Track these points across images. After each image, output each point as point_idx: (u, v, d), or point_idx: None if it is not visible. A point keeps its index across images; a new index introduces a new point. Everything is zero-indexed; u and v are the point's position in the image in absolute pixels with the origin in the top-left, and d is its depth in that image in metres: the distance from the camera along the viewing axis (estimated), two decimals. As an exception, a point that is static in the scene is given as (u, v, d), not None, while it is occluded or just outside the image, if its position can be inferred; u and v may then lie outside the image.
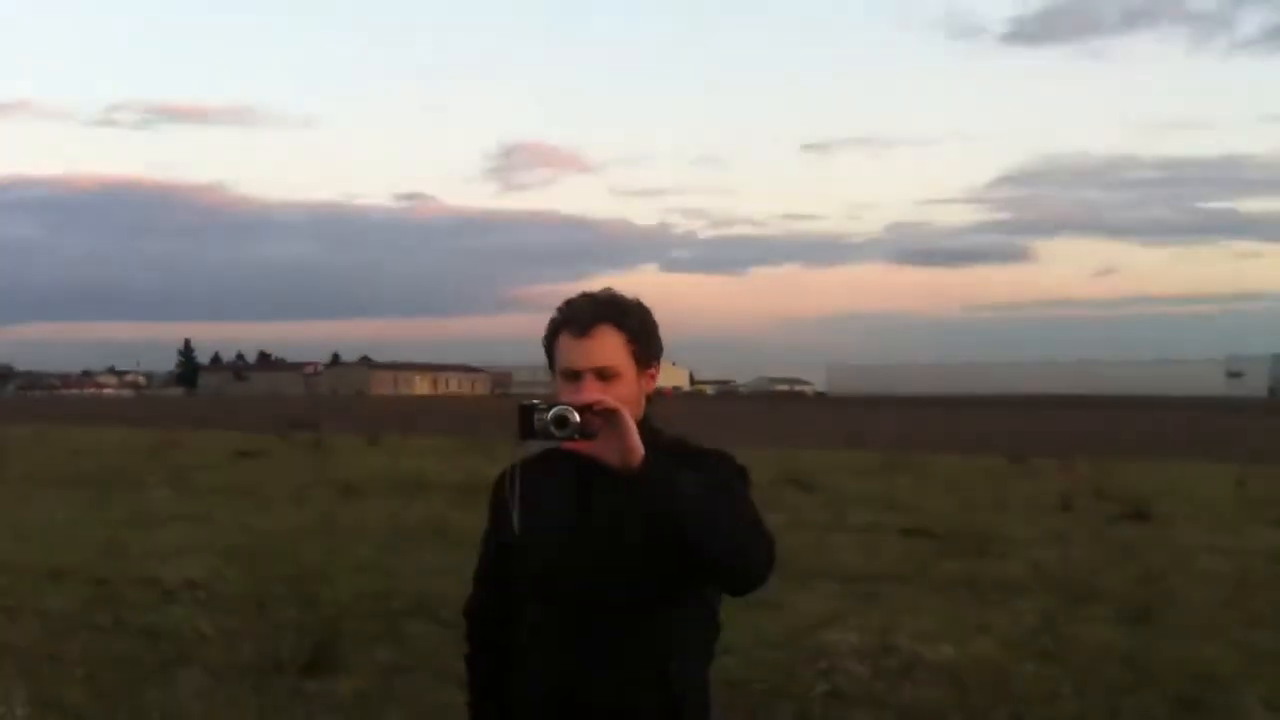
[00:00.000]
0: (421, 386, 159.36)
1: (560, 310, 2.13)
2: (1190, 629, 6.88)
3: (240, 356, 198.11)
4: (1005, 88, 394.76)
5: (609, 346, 2.07)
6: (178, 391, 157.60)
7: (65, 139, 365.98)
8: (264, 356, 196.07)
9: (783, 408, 75.48)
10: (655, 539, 1.92)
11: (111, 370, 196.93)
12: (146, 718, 5.21)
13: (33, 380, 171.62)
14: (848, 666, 5.91)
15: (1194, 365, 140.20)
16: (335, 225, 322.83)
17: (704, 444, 2.18)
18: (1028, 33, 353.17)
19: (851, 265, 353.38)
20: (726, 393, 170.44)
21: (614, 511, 2.03)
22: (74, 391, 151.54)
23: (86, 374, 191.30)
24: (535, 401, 1.93)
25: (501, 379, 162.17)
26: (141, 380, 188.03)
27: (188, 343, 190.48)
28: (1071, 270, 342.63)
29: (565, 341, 2.09)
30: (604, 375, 2.06)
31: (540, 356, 2.19)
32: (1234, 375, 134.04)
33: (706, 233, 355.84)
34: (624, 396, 2.01)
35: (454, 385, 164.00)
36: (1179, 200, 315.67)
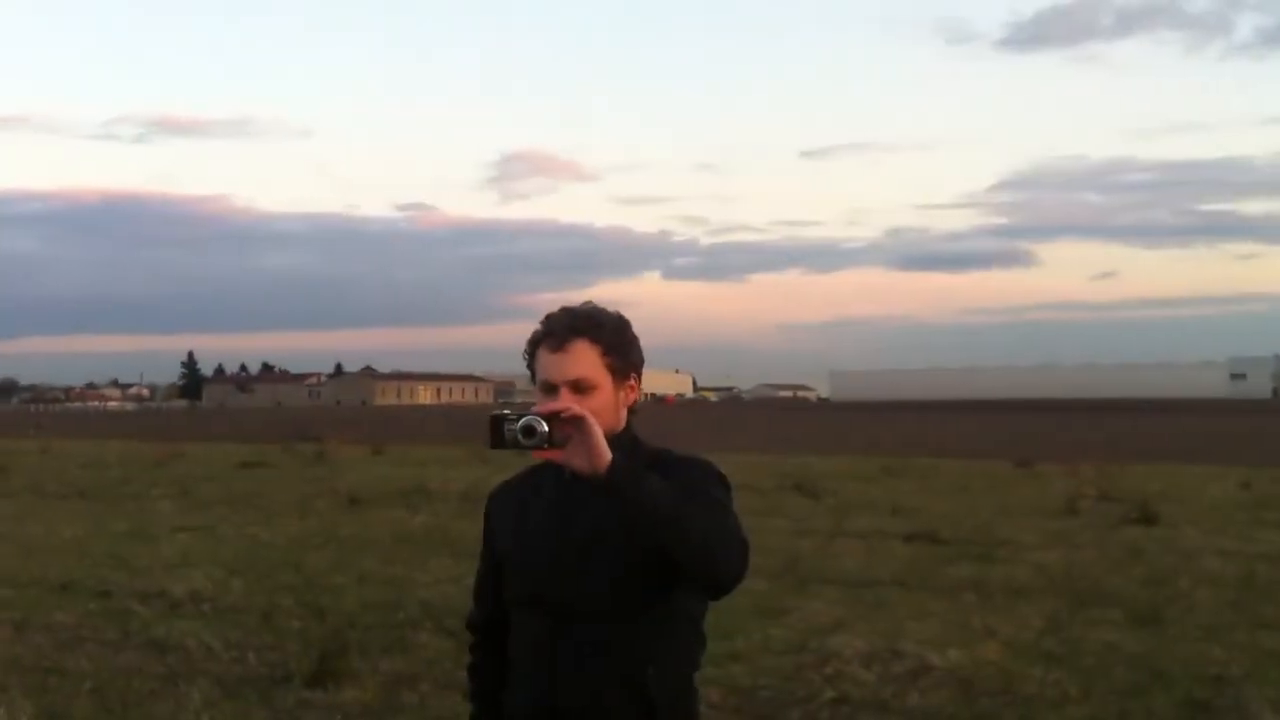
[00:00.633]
0: (424, 396, 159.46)
1: (540, 324, 2.19)
2: (1198, 631, 6.87)
3: (243, 368, 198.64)
4: (1003, 92, 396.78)
5: (584, 360, 2.12)
6: (182, 403, 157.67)
7: (66, 152, 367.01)
8: (267, 368, 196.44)
9: (786, 414, 75.41)
10: (632, 545, 1.99)
11: (115, 383, 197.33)
12: (153, 730, 5.21)
13: (37, 394, 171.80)
14: (854, 672, 5.90)
15: (1196, 368, 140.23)
16: (337, 236, 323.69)
17: (687, 454, 2.22)
18: (1024, 37, 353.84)
19: (852, 271, 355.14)
20: (730, 399, 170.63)
21: (594, 520, 2.08)
22: (78, 404, 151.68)
23: (91, 387, 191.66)
24: (505, 412, 1.98)
25: (504, 388, 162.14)
26: (145, 392, 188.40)
27: (191, 355, 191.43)
28: (1072, 274, 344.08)
29: (543, 355, 2.16)
30: (579, 388, 2.11)
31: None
32: (1237, 377, 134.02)
33: (707, 240, 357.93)
34: (598, 408, 2.06)
35: (457, 394, 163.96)
36: (1178, 203, 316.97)
